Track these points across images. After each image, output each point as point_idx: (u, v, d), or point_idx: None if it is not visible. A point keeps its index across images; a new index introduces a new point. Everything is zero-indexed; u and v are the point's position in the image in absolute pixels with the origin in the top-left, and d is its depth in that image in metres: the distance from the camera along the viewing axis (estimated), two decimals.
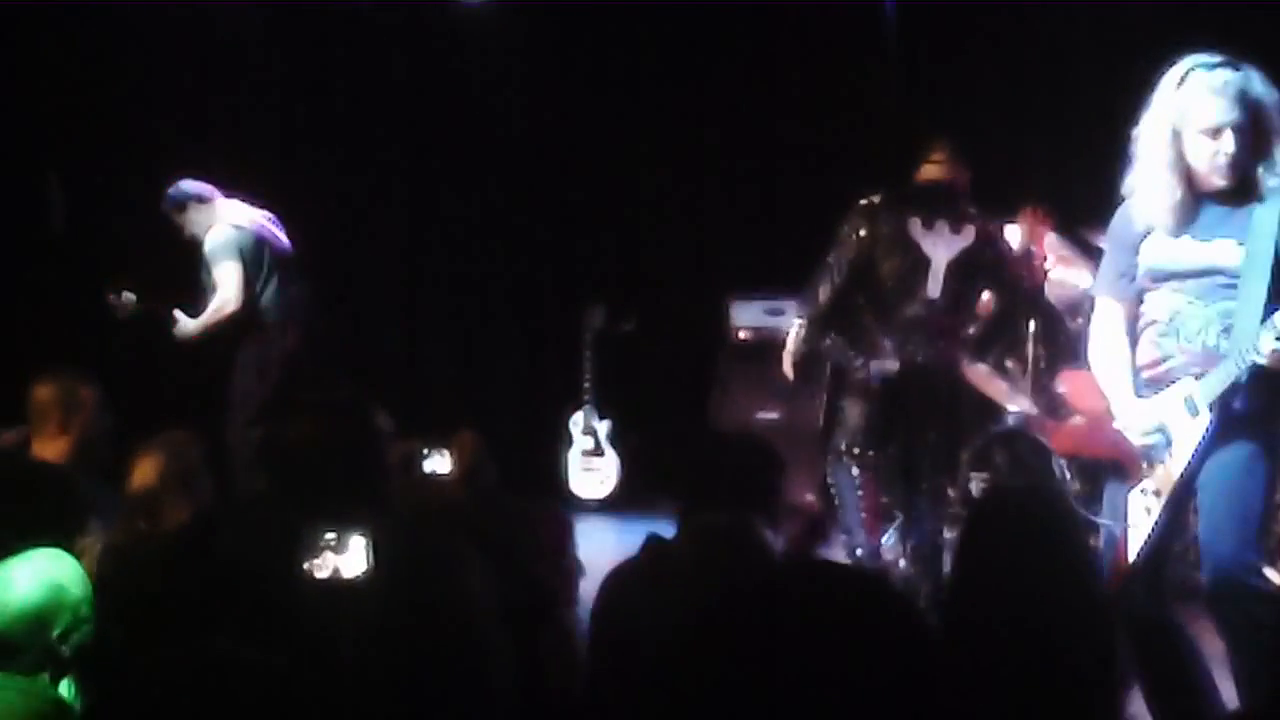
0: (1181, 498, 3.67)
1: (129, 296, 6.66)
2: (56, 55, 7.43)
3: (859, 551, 5.85)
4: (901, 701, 1.46)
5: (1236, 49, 3.62)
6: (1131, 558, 3.70)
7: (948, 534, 6.03)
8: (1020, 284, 5.95)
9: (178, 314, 6.66)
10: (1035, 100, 7.62)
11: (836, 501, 5.95)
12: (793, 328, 6.03)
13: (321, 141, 8.25)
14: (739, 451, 3.61)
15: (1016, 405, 6.39)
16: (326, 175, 8.21)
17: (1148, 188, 3.65)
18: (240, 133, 7.94)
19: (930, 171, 5.86)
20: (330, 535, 2.51)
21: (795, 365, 5.98)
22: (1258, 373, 3.51)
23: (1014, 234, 6.13)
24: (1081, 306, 5.87)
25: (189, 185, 6.76)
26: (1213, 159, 3.56)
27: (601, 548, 3.81)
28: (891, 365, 5.71)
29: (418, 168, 8.62)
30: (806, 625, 1.48)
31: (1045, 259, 6.10)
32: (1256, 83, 3.56)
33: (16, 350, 6.23)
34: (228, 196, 6.80)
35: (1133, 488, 3.75)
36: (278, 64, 8.23)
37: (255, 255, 6.70)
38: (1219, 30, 3.68)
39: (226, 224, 6.72)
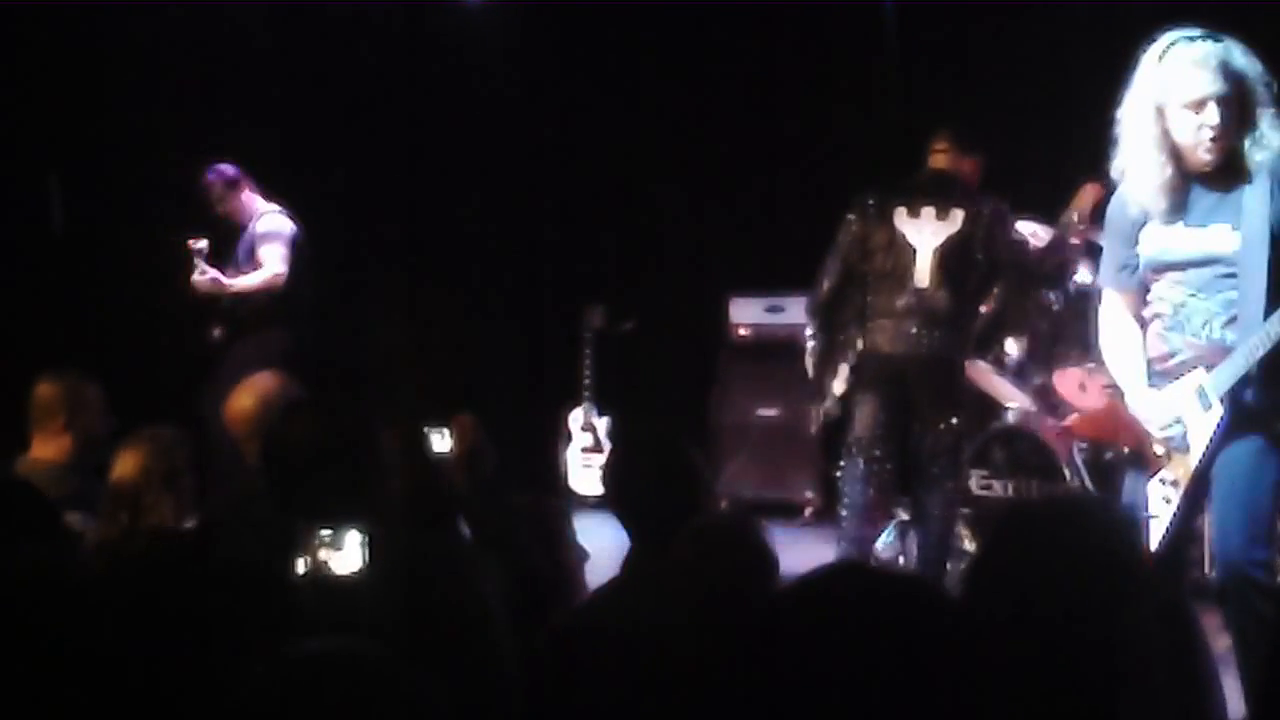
0: (1197, 490, 3.67)
1: (202, 245, 6.74)
2: (56, 55, 7.43)
3: (842, 544, 5.83)
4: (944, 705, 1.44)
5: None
6: (1153, 547, 3.70)
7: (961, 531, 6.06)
8: (1018, 267, 5.92)
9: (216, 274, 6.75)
10: (1035, 100, 7.61)
11: (844, 497, 5.93)
12: (806, 329, 6.08)
13: (322, 141, 8.25)
14: (659, 460, 3.50)
15: (1016, 402, 6.39)
16: (326, 174, 8.21)
17: (1136, 168, 3.65)
18: (240, 132, 7.93)
19: (935, 161, 5.88)
20: (325, 532, 2.51)
21: (814, 366, 6.02)
22: (1268, 365, 3.52)
23: (1025, 225, 6.13)
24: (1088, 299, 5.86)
25: (239, 171, 6.99)
26: (1197, 133, 3.56)
27: (600, 544, 3.81)
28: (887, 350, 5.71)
29: (418, 167, 8.62)
30: (847, 629, 1.46)
31: (1079, 243, 6.05)
32: (1237, 54, 3.56)
33: (16, 350, 6.23)
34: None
35: (1152, 477, 3.75)
36: (277, 64, 8.23)
37: (300, 250, 6.93)
38: (1218, 30, 3.67)
39: (281, 214, 6.94)
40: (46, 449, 4.30)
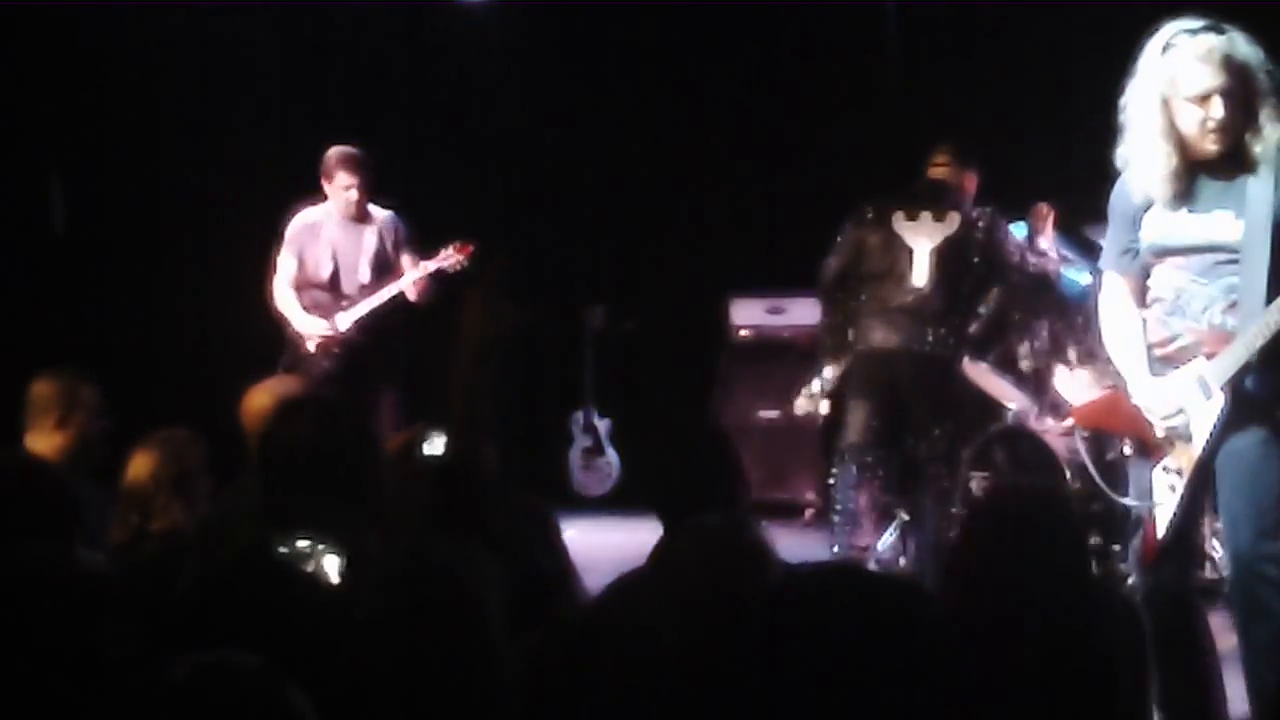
0: (1201, 480, 3.66)
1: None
2: (56, 55, 7.42)
3: (835, 549, 5.83)
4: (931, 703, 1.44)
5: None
6: (1160, 535, 3.69)
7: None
8: (1016, 271, 5.92)
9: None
10: (1035, 100, 7.61)
11: (836, 503, 5.92)
12: (820, 305, 6.15)
13: (321, 140, 8.24)
14: (701, 453, 3.51)
15: (1016, 403, 6.38)
16: None
17: (1142, 157, 3.66)
18: (240, 132, 7.93)
19: (934, 173, 5.90)
20: (304, 543, 2.51)
21: (828, 330, 6.05)
22: (1267, 353, 3.51)
23: (1018, 229, 6.13)
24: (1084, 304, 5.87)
25: None
26: (1202, 125, 3.57)
27: (602, 546, 3.81)
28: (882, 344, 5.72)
29: (417, 167, 8.62)
30: (837, 631, 1.46)
31: (1049, 254, 6.09)
32: (1240, 45, 3.57)
33: (16, 350, 6.22)
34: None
35: (1156, 465, 3.74)
36: (278, 63, 8.23)
37: None
38: (1221, 18, 3.67)
39: None
40: (40, 446, 4.26)
